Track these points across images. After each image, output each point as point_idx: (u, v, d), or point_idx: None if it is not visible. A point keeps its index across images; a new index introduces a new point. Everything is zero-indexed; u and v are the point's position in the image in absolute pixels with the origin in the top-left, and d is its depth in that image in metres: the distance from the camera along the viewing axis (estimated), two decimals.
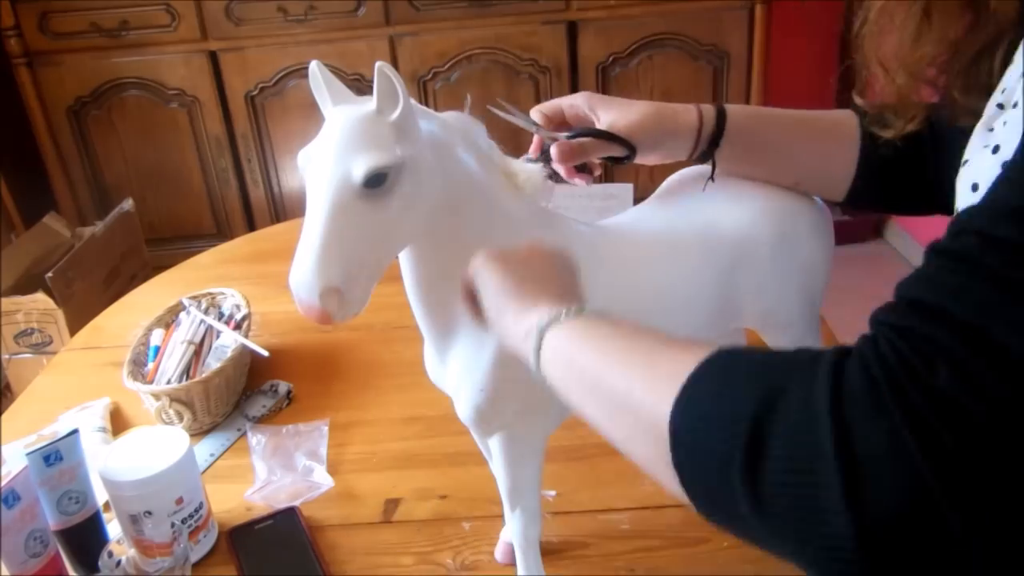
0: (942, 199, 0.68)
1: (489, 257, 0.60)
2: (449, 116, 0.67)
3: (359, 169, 0.57)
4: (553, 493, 0.95)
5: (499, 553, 0.88)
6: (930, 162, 0.73)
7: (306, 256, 0.57)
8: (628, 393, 0.47)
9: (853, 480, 0.36)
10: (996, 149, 0.53)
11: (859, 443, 0.36)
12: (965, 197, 0.54)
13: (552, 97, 0.77)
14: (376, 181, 0.57)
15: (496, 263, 0.60)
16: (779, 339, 0.82)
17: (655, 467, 0.46)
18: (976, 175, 0.53)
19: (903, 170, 0.74)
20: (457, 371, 0.70)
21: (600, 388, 0.50)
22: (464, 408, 0.71)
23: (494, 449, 0.74)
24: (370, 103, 0.59)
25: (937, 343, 0.37)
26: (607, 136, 0.71)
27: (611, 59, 2.44)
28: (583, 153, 0.72)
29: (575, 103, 0.75)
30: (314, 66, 0.62)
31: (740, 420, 0.40)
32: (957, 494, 0.35)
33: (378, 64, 0.57)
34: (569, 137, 0.71)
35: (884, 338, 0.39)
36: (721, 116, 0.74)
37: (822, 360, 0.40)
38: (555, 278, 0.60)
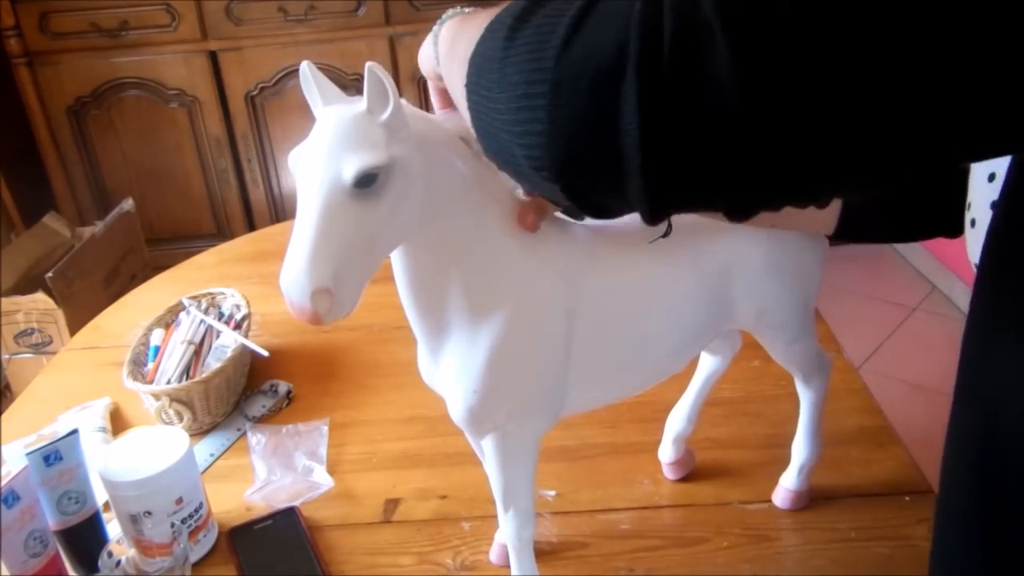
0: (943, 217, 0.67)
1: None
2: (440, 117, 0.67)
3: (349, 169, 0.57)
4: (553, 493, 0.95)
5: (494, 554, 0.88)
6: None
7: (296, 257, 0.57)
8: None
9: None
10: None
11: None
12: (981, 190, 0.53)
13: None
14: (366, 181, 0.57)
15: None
16: (774, 340, 0.82)
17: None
18: (993, 164, 0.51)
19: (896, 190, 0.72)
20: (450, 372, 0.70)
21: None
22: (457, 409, 0.71)
23: (487, 450, 0.74)
24: (360, 103, 0.59)
25: None
26: None
27: None
28: None
29: None
30: (304, 66, 0.62)
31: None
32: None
33: (368, 64, 0.57)
34: None
35: None
36: None
37: None
38: None
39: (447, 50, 0.55)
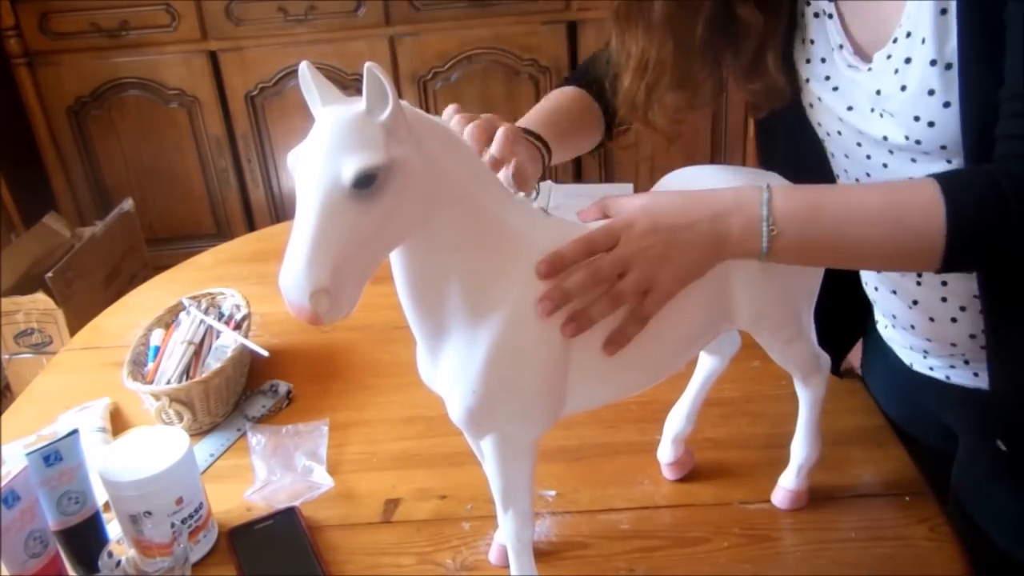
0: None
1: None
2: (440, 118, 0.67)
3: (348, 170, 0.57)
4: (553, 493, 0.95)
5: (493, 555, 0.88)
6: None
7: (296, 258, 0.57)
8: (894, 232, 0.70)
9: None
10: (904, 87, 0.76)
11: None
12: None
13: None
14: (365, 182, 0.57)
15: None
16: (772, 340, 0.82)
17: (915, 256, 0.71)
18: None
19: None
20: (449, 372, 0.70)
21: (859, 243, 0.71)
22: (456, 410, 0.71)
23: (486, 451, 0.74)
24: (359, 104, 0.59)
25: None
26: None
27: None
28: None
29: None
30: (303, 67, 0.62)
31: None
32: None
33: (367, 65, 0.57)
34: None
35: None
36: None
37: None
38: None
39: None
